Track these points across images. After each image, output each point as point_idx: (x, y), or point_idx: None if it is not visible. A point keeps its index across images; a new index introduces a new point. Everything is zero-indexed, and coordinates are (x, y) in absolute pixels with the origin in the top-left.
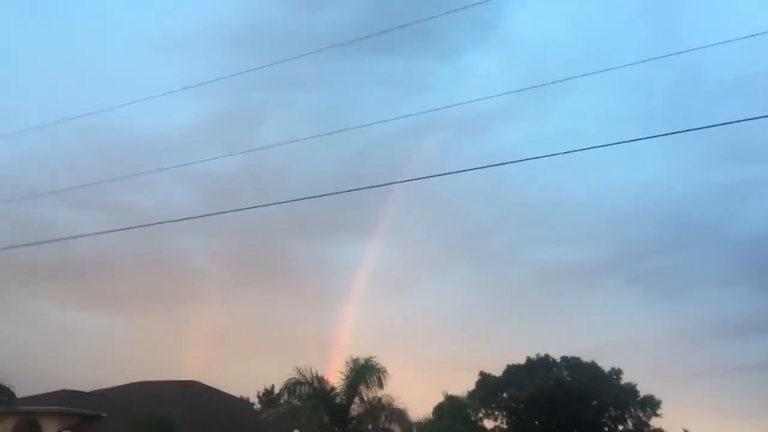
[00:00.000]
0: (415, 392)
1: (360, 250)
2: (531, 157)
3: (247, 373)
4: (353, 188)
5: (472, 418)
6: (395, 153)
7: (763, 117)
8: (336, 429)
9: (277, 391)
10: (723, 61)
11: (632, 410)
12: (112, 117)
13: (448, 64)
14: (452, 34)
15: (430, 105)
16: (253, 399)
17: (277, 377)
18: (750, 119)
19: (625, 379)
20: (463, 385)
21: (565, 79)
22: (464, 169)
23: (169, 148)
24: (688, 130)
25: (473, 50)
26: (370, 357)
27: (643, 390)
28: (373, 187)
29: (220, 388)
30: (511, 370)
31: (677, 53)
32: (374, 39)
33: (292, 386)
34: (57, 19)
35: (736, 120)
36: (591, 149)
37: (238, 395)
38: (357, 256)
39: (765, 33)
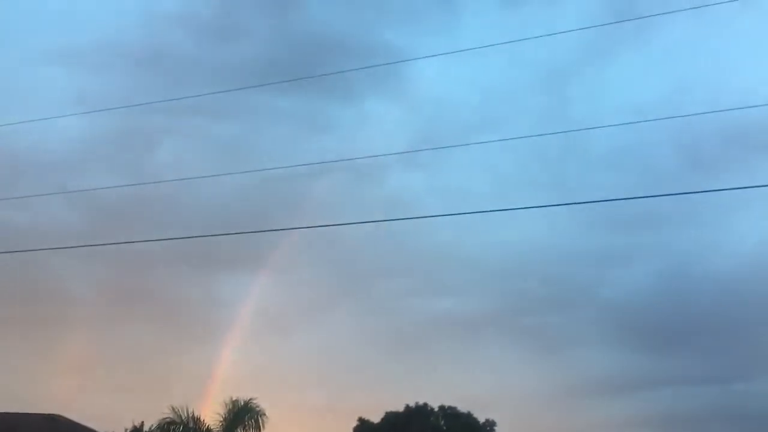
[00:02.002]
0: None
1: (247, 287)
2: (424, 215)
3: (116, 408)
4: (243, 231)
5: None
6: (293, 190)
7: (635, 198)
8: None
9: (146, 429)
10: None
11: None
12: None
13: (352, 108)
14: (357, 79)
15: (331, 146)
16: None
17: (148, 414)
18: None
19: (498, 431)
20: (342, 430)
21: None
22: (358, 221)
23: (55, 165)
24: (570, 204)
25: (376, 97)
26: (250, 399)
27: None
28: (263, 231)
29: (85, 423)
30: (390, 417)
31: (565, 131)
32: (281, 75)
33: (165, 426)
34: None
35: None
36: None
37: (103, 431)
38: (243, 293)
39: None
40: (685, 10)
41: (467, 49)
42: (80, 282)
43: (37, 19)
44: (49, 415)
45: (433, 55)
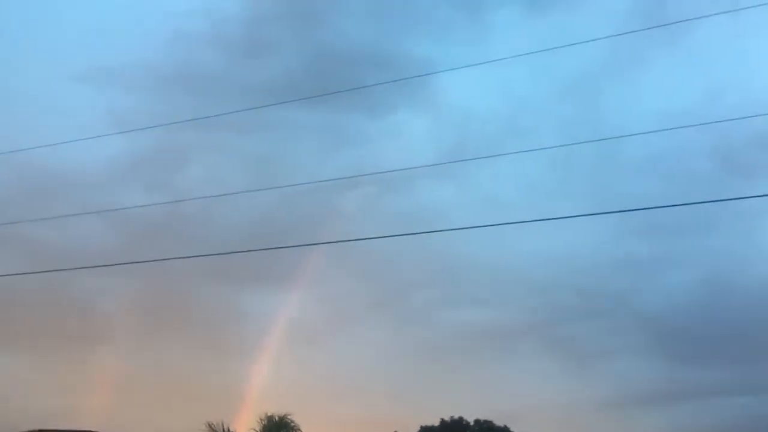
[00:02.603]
0: None
1: (278, 302)
2: (455, 227)
3: (152, 425)
4: (274, 246)
5: None
6: (322, 204)
7: (669, 206)
8: None
9: None
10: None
11: None
12: (32, 150)
13: (379, 121)
14: (385, 92)
15: (359, 159)
16: None
17: (184, 430)
18: (658, 207)
19: None
20: None
21: (491, 156)
22: (387, 234)
23: (88, 184)
24: (603, 213)
25: (405, 110)
26: (285, 414)
27: None
28: (293, 246)
29: None
30: None
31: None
32: (309, 90)
33: None
34: None
35: (649, 207)
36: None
37: None
38: (275, 308)
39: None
40: (716, 14)
41: (495, 60)
42: (115, 299)
43: (70, 39)
44: (86, 431)
45: (461, 67)
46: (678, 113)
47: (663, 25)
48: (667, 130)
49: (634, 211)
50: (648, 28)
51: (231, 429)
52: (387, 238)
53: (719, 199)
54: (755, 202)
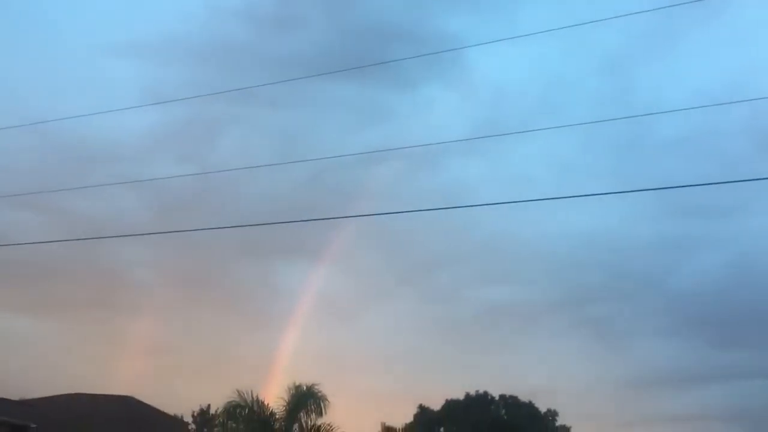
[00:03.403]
0: (354, 422)
1: (308, 275)
2: (487, 203)
3: (183, 391)
4: (304, 219)
5: None
6: (351, 179)
7: (709, 184)
8: None
9: (213, 411)
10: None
11: None
12: (68, 121)
13: (409, 96)
14: (415, 67)
15: (388, 134)
16: (188, 418)
17: (213, 397)
18: (691, 185)
19: (560, 421)
20: (402, 417)
21: (523, 132)
22: (420, 209)
23: (123, 156)
24: (635, 191)
25: (434, 84)
26: (313, 384)
27: None
28: (323, 219)
29: (154, 405)
30: (450, 405)
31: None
32: (339, 64)
33: (231, 408)
34: (17, 19)
35: (684, 185)
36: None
37: (172, 413)
38: (304, 281)
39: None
40: None
41: (527, 34)
42: (148, 269)
43: (104, 13)
44: (122, 396)
45: (492, 41)
46: (715, 91)
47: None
48: (702, 107)
49: (667, 191)
50: (685, 2)
51: (260, 397)
52: (416, 214)
53: (753, 178)
54: None
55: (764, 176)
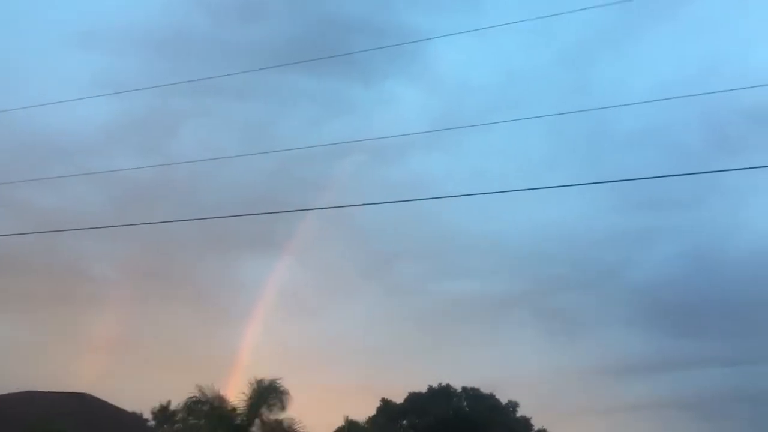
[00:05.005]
0: (317, 416)
1: (270, 268)
2: (446, 195)
3: (142, 387)
4: (266, 211)
5: None
6: (315, 171)
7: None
8: None
9: (173, 407)
10: (631, 111)
11: None
12: (25, 112)
13: (372, 90)
14: (379, 60)
15: (352, 127)
16: (147, 415)
17: (174, 393)
18: (648, 178)
19: (521, 412)
20: (365, 410)
21: (483, 124)
22: (379, 201)
23: (80, 148)
24: (592, 183)
25: (398, 78)
26: (275, 379)
27: (537, 424)
28: (284, 211)
29: (112, 402)
30: (413, 398)
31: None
32: (302, 56)
33: (191, 404)
34: None
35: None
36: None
37: (131, 410)
38: (268, 274)
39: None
40: None
41: (487, 27)
42: (107, 263)
43: (61, 3)
44: (77, 393)
45: (453, 33)
46: (671, 86)
47: None
48: (658, 101)
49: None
50: None
51: (221, 392)
52: (380, 207)
53: (708, 170)
54: (746, 174)
55: (718, 169)
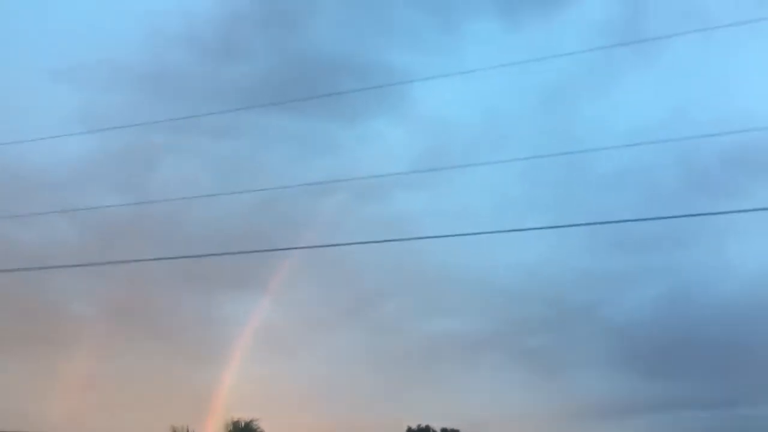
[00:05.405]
0: None
1: (249, 307)
2: (427, 236)
3: (118, 428)
4: (245, 251)
5: None
6: (296, 209)
7: (637, 220)
8: None
9: None
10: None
11: None
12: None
13: (355, 129)
14: (360, 100)
15: (334, 166)
16: None
17: None
18: (627, 221)
19: None
20: None
21: (464, 165)
22: (360, 241)
23: (57, 183)
24: (571, 225)
25: (379, 118)
26: (252, 420)
27: None
28: (264, 251)
29: None
30: None
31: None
32: (283, 95)
33: None
34: None
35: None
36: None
37: None
38: (246, 313)
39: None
40: (688, 32)
41: (470, 71)
42: (82, 301)
43: (42, 37)
44: None
45: (436, 76)
46: (650, 129)
47: (636, 42)
48: (637, 145)
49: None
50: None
51: None
52: (359, 246)
53: (686, 214)
54: (723, 218)
55: (694, 213)
